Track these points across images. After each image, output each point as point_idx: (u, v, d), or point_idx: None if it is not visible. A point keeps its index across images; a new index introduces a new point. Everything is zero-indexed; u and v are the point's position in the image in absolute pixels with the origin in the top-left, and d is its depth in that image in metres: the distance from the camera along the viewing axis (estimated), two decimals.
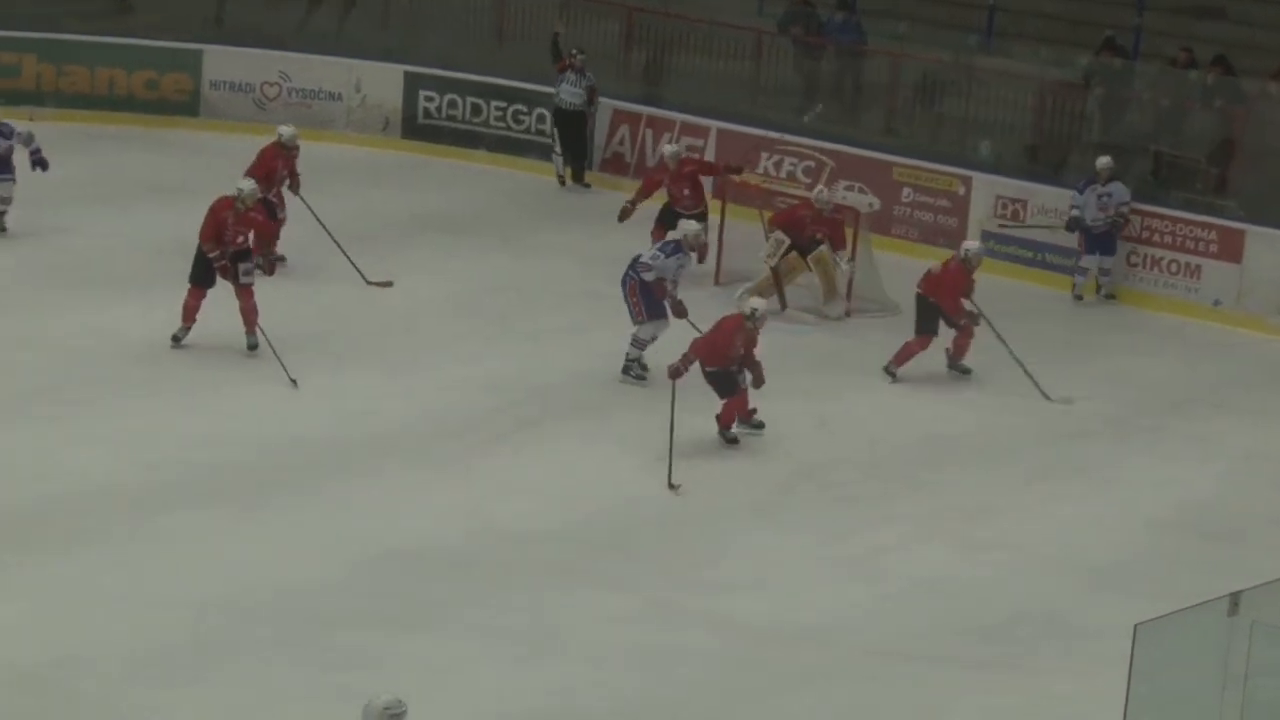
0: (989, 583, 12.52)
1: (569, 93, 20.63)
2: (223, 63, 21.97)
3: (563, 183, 20.75)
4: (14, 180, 17.55)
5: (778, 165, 20.13)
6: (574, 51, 20.68)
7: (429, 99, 21.87)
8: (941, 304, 15.70)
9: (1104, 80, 20.30)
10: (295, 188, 17.20)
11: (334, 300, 16.46)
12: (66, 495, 12.59)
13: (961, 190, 19.34)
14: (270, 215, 16.43)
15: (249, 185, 15.59)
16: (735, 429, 14.32)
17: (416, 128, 21.89)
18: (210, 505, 12.66)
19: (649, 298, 15.15)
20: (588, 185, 20.68)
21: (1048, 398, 15.42)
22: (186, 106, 21.98)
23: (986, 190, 19.28)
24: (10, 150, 17.55)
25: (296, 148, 17.23)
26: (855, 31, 21.34)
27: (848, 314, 17.28)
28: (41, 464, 13.05)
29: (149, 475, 13.05)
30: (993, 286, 17.50)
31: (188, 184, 19.75)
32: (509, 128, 21.64)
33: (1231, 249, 18.23)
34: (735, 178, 18.66)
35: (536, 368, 15.55)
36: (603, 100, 21.10)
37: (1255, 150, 19.41)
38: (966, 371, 15.90)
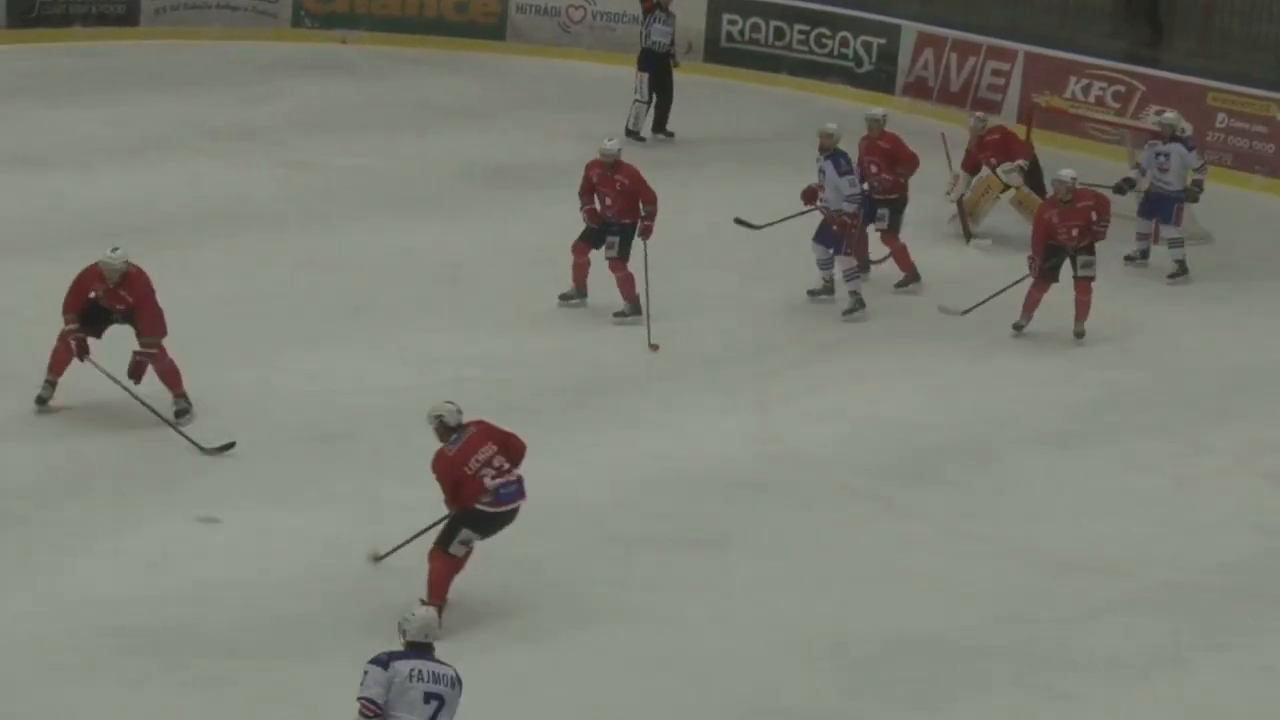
0: None
1: (659, 33, 19.39)
2: None
3: (633, 133, 18.84)
4: None
5: (1086, 90, 19.69)
6: None
7: (732, 22, 21.83)
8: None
9: None
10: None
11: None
12: (375, 412, 12.84)
13: (1278, 115, 18.71)
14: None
15: (115, 258, 12.40)
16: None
17: (719, 51, 21.87)
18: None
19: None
20: (671, 134, 19.22)
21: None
22: (493, 30, 22.23)
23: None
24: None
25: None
26: None
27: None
28: (352, 381, 13.32)
29: (452, 394, 13.21)
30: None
31: (491, 108, 20.08)
32: (811, 51, 21.49)
33: None
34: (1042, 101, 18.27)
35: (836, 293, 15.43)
36: (905, 23, 20.80)
37: None
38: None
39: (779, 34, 21.66)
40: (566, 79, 21.19)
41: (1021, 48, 20.26)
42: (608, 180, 14.65)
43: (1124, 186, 16.26)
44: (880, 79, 21.03)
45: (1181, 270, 16.04)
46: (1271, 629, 10.83)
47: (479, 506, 10.26)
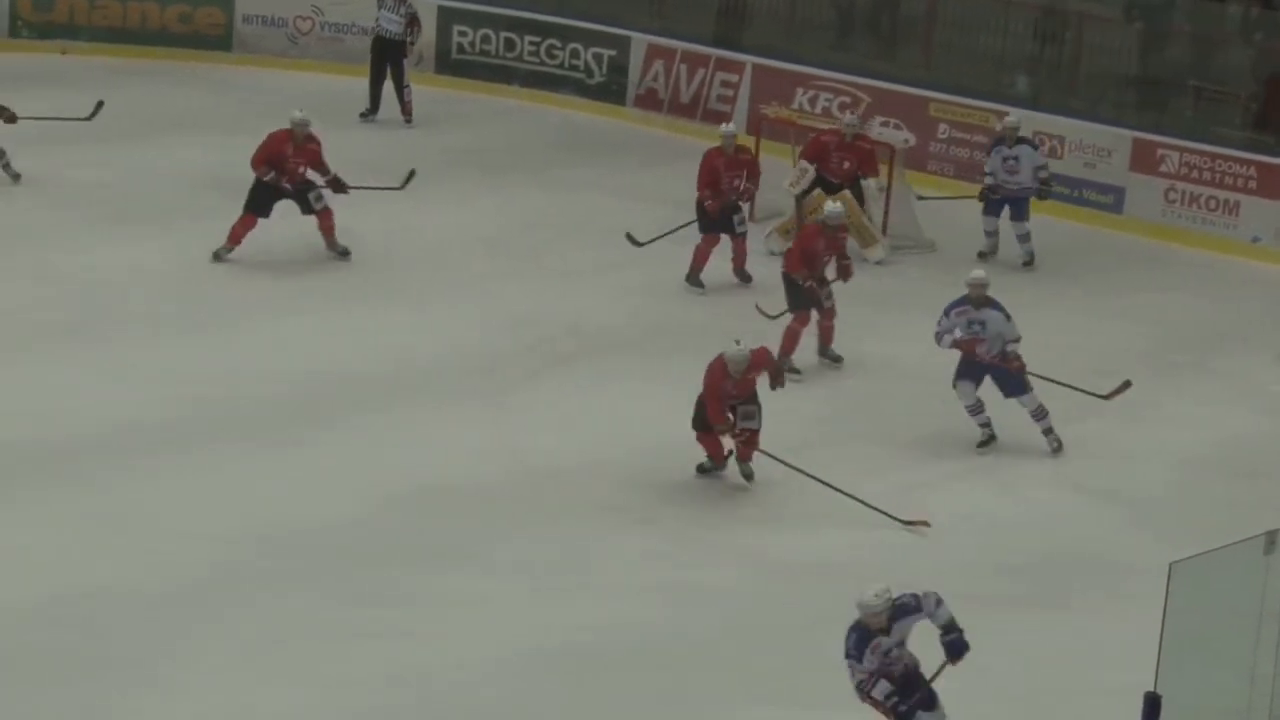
0: (1024, 521, 12.48)
1: (387, 19, 20.01)
2: None
3: (365, 116, 20.04)
4: None
5: (813, 101, 20.01)
6: None
7: (463, 34, 21.79)
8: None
9: (1143, 14, 20.12)
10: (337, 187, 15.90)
11: (365, 237, 16.39)
12: (97, 430, 12.59)
13: (998, 126, 19.18)
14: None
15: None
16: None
17: (450, 63, 21.82)
18: (239, 440, 12.65)
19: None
20: (409, 120, 20.00)
21: None
22: (219, 41, 21.93)
23: (1023, 126, 19.07)
24: None
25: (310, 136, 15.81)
26: None
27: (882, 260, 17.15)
28: (72, 399, 13.06)
29: (177, 410, 13.04)
30: (1030, 223, 17.45)
31: (220, 120, 19.79)
32: (542, 63, 21.54)
33: (1271, 185, 18.09)
34: (770, 112, 18.57)
35: (569, 305, 15.50)
36: (635, 35, 20.98)
37: None
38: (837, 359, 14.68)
39: (510, 45, 21.68)
40: (295, 90, 20.94)
41: (750, 59, 20.54)
42: (303, 149, 15.74)
43: (986, 195, 17.14)
44: (612, 91, 21.16)
45: (1032, 260, 17.19)
46: (1005, 630, 11.01)
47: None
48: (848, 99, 19.84)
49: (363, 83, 20.28)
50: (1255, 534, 8.46)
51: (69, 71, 21.01)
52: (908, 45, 21.18)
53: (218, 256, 15.71)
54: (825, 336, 14.71)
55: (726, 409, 12.36)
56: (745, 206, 16.37)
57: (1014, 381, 13.42)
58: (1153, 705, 8.07)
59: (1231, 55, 19.68)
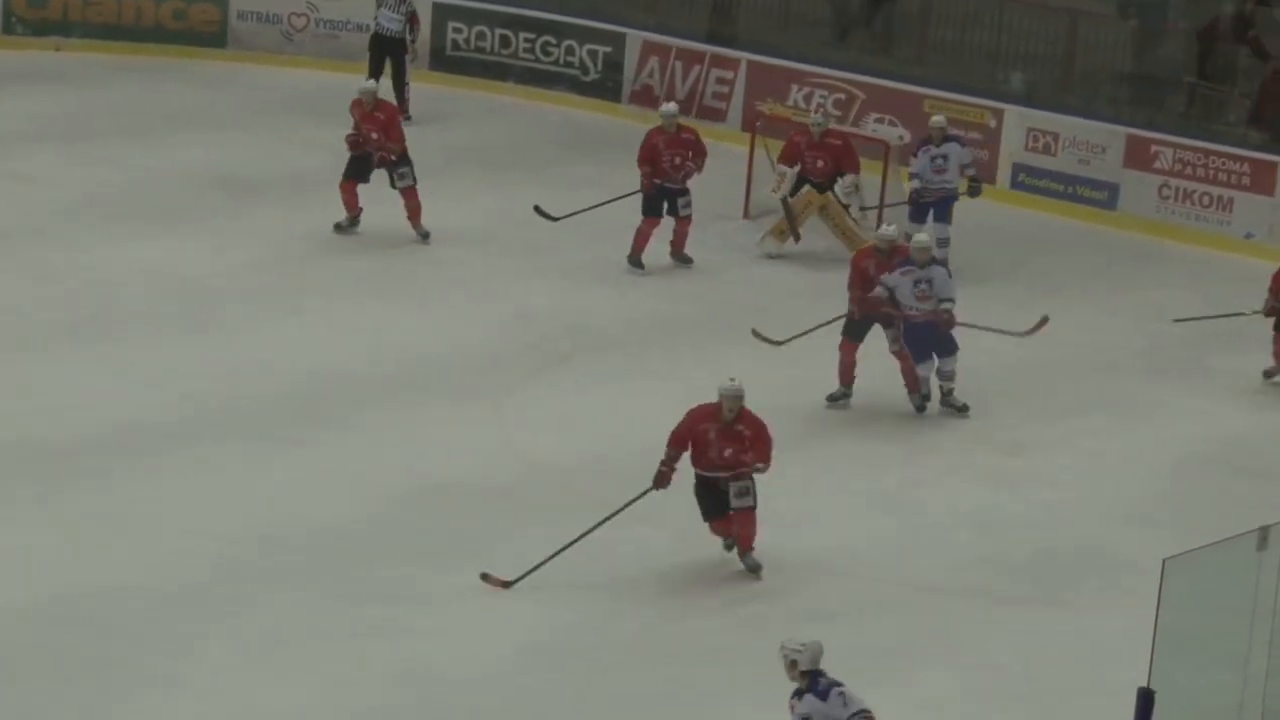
0: (1021, 517, 12.52)
1: (387, 18, 20.16)
2: None
3: None
4: None
5: (808, 98, 20.03)
6: None
7: (458, 30, 21.82)
8: None
9: (1138, 10, 20.16)
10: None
11: (365, 235, 16.43)
12: (97, 430, 12.62)
13: (993, 123, 19.24)
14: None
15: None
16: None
17: (445, 60, 21.85)
18: (239, 440, 12.69)
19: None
20: (409, 117, 19.77)
21: None
22: (214, 38, 21.94)
23: (1018, 122, 19.18)
24: None
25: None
26: None
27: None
28: (72, 399, 13.09)
29: (177, 410, 13.07)
30: (1024, 219, 17.47)
31: (215, 117, 19.82)
32: (537, 59, 21.57)
33: (1264, 181, 18.14)
34: (765, 109, 18.60)
35: (570, 303, 15.54)
36: (630, 31, 21.01)
37: None
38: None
39: (505, 42, 21.70)
40: (291, 87, 20.99)
41: (744, 56, 20.57)
42: (369, 116, 16.44)
43: (915, 198, 16.72)
44: (607, 87, 21.19)
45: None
46: (1003, 626, 11.09)
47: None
48: (843, 95, 19.87)
49: (358, 79, 20.26)
50: (1249, 530, 8.50)
51: (63, 68, 21.04)
52: (902, 42, 21.21)
53: (339, 228, 16.35)
54: (907, 379, 13.96)
55: (715, 460, 11.30)
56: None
57: (946, 343, 13.77)
58: (1146, 701, 8.11)
59: (1226, 52, 19.70)
